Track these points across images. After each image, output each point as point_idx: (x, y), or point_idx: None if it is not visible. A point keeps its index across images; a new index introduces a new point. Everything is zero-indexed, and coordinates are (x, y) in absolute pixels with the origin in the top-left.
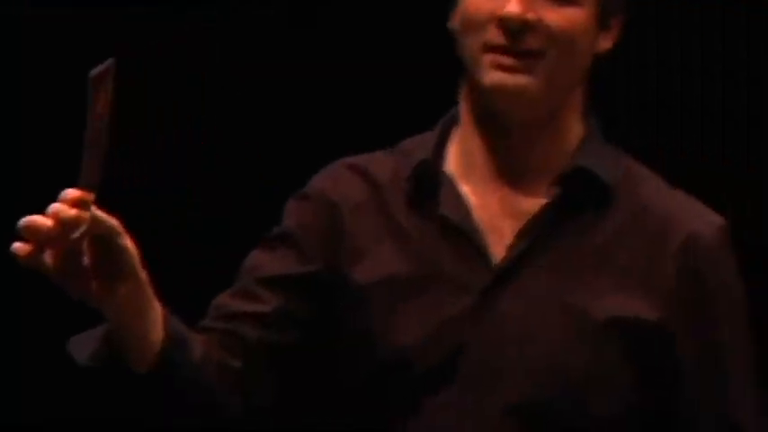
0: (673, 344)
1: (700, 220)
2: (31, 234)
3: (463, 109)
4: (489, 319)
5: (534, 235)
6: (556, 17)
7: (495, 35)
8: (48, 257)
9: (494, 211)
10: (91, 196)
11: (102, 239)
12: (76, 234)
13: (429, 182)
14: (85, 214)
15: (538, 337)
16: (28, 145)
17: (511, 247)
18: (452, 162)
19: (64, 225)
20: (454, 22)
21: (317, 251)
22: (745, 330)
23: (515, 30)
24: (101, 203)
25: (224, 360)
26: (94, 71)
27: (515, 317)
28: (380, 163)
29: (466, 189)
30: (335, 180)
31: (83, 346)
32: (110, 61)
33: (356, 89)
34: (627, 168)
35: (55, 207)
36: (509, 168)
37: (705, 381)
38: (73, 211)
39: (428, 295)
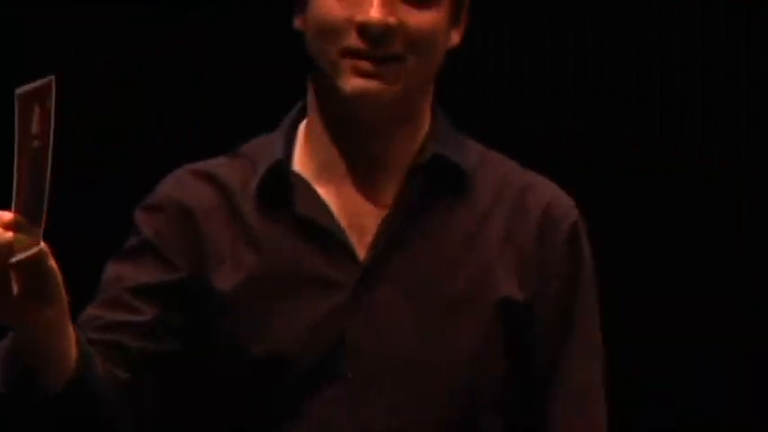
0: (534, 321)
1: (555, 203)
2: None
3: (314, 110)
4: (364, 314)
5: (396, 226)
6: (417, 21)
7: (355, 40)
8: None
9: (352, 208)
10: (39, 227)
11: (31, 262)
12: (17, 259)
13: (281, 183)
14: (32, 240)
15: (411, 331)
16: None
17: (375, 241)
18: (302, 162)
19: None
20: (304, 25)
21: (181, 259)
22: (595, 309)
23: (377, 35)
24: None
25: (111, 372)
26: (23, 88)
27: (390, 310)
28: (227, 168)
29: (321, 189)
30: (184, 187)
31: None
32: (47, 79)
33: None
34: (481, 154)
35: None
36: (365, 166)
37: (554, 353)
38: (8, 235)
39: (296, 296)
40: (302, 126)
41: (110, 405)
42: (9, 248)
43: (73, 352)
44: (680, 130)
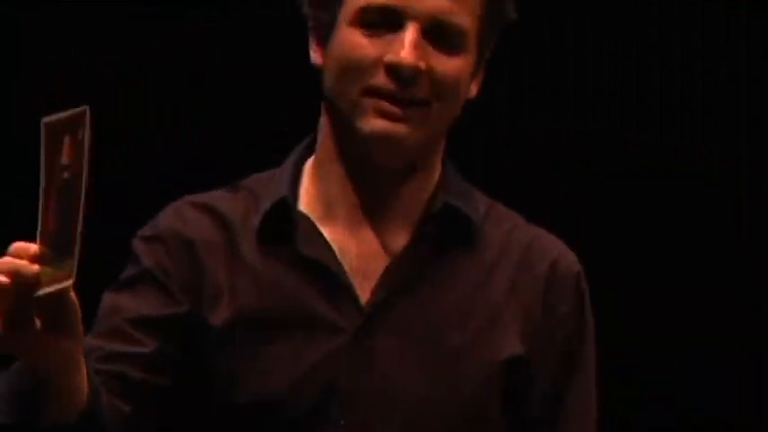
0: (535, 374)
1: (561, 257)
2: None
3: (325, 148)
4: (363, 360)
5: (402, 274)
6: (444, 67)
7: (382, 81)
8: None
9: (357, 251)
10: (71, 259)
11: (56, 295)
12: (45, 292)
13: (284, 221)
14: (62, 273)
15: (413, 379)
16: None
17: (379, 286)
18: (308, 201)
19: (25, 283)
20: (324, 60)
21: (181, 292)
22: (594, 362)
23: (407, 78)
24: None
25: (113, 404)
26: (51, 118)
27: (389, 358)
28: (228, 201)
29: (326, 230)
30: (185, 219)
31: (2, 404)
32: (80, 109)
33: None
34: (488, 206)
35: (12, 263)
36: (373, 210)
37: (551, 412)
38: (35, 268)
39: (293, 337)
40: (309, 163)
41: None
42: (35, 281)
43: (85, 384)
44: (680, 130)
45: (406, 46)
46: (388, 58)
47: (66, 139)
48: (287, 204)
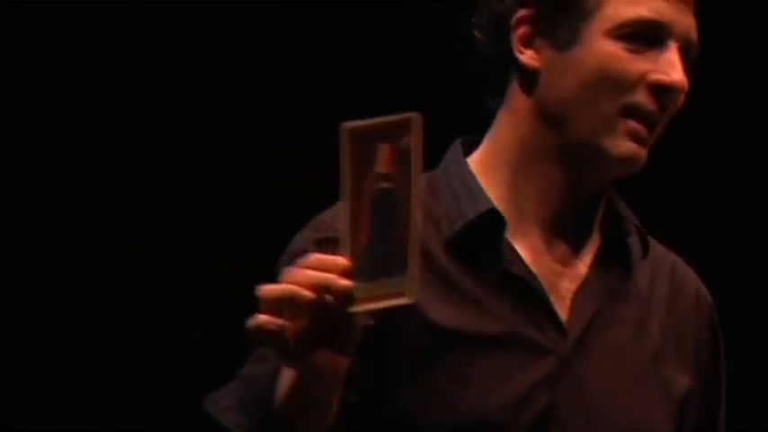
0: (692, 401)
1: (700, 284)
2: (285, 306)
3: (519, 158)
4: (577, 383)
5: (598, 293)
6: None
7: (644, 99)
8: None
9: (548, 267)
10: (400, 277)
11: (368, 314)
12: (357, 309)
13: (477, 234)
14: (392, 292)
15: (622, 403)
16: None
17: (580, 307)
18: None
19: (336, 300)
20: (545, 64)
21: None
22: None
23: (671, 100)
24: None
25: None
26: (354, 124)
27: (600, 381)
28: None
29: (516, 243)
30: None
31: (240, 417)
32: (403, 116)
33: (356, 90)
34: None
35: (320, 277)
36: (565, 224)
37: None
38: (346, 283)
39: (498, 356)
40: (468, 169)
41: None
42: (349, 298)
43: (334, 404)
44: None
45: (676, 66)
46: (660, 78)
47: (384, 147)
48: (494, 216)
